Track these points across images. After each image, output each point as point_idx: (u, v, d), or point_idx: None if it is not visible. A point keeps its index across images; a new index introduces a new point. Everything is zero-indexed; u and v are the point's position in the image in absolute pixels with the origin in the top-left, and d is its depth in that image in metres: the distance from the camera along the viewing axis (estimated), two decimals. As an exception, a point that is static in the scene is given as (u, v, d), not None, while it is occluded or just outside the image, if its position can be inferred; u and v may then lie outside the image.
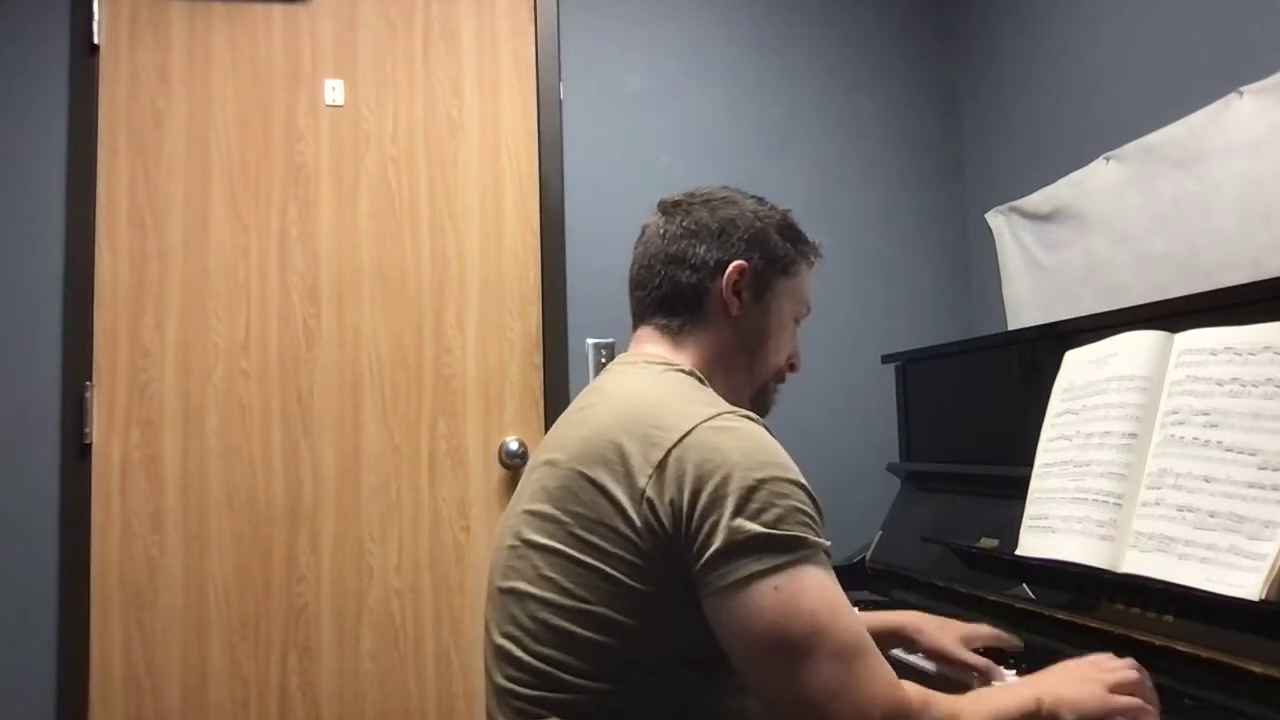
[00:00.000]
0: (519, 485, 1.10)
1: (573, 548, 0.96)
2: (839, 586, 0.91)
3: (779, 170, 2.50)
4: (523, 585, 1.00)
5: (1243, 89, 1.63)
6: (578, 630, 0.95)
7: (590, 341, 2.39)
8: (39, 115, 2.23)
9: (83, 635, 2.15)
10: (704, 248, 1.12)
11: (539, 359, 2.38)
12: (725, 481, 0.90)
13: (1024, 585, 1.40)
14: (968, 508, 1.66)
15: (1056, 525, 1.30)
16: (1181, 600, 1.10)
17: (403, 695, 2.27)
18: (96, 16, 2.27)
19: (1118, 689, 0.96)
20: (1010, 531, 1.40)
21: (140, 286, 2.26)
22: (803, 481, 0.93)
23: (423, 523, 2.31)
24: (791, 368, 1.20)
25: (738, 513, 0.88)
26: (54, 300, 2.21)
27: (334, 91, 2.36)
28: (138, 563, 2.20)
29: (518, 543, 1.02)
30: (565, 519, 0.97)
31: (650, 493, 0.92)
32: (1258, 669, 0.97)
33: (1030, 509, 1.37)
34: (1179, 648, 1.08)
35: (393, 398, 2.33)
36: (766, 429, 0.98)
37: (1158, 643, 1.11)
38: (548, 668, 0.96)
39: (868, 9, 2.63)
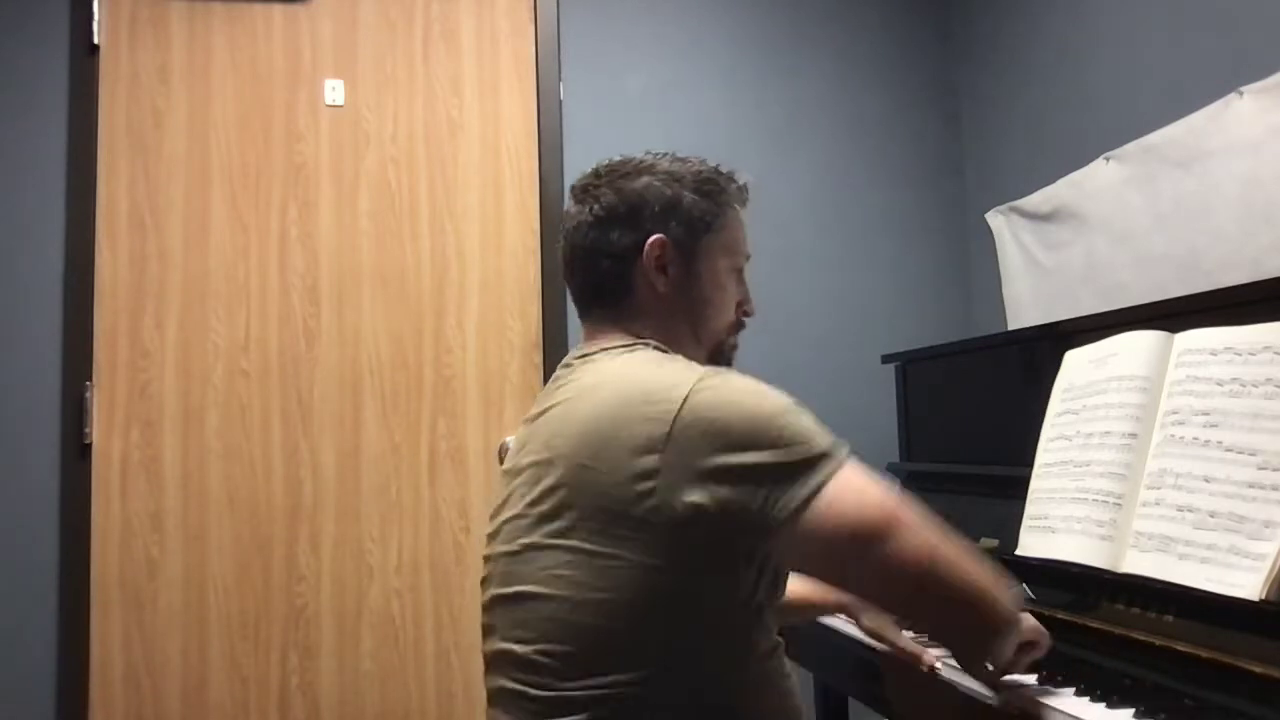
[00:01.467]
0: (504, 493, 1.08)
1: (586, 541, 0.95)
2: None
3: (779, 170, 2.50)
4: (530, 588, 0.98)
5: (1243, 89, 1.63)
6: (600, 623, 0.94)
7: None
8: (39, 115, 2.23)
9: (83, 635, 2.15)
10: (617, 232, 1.10)
11: (539, 359, 2.38)
12: (738, 430, 0.92)
13: (1024, 585, 1.40)
14: (968, 508, 1.66)
15: (1056, 525, 1.30)
16: (1181, 600, 1.10)
17: (403, 695, 2.27)
18: (96, 16, 2.27)
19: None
20: (1010, 531, 1.39)
21: (140, 286, 2.26)
22: (799, 406, 0.97)
23: (423, 523, 2.31)
24: (745, 314, 1.18)
25: (766, 450, 0.91)
26: (54, 300, 2.21)
27: (334, 91, 2.36)
28: (138, 563, 2.20)
29: (518, 548, 1.01)
30: (573, 514, 0.96)
31: (666, 468, 0.91)
32: (1258, 669, 0.97)
33: (1030, 509, 1.37)
34: (1179, 648, 1.07)
35: (393, 398, 2.33)
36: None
37: (1158, 643, 1.10)
38: (565, 666, 0.95)
39: (868, 9, 2.63)
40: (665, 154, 1.16)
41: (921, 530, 0.94)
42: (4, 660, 2.11)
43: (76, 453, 2.19)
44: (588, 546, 0.95)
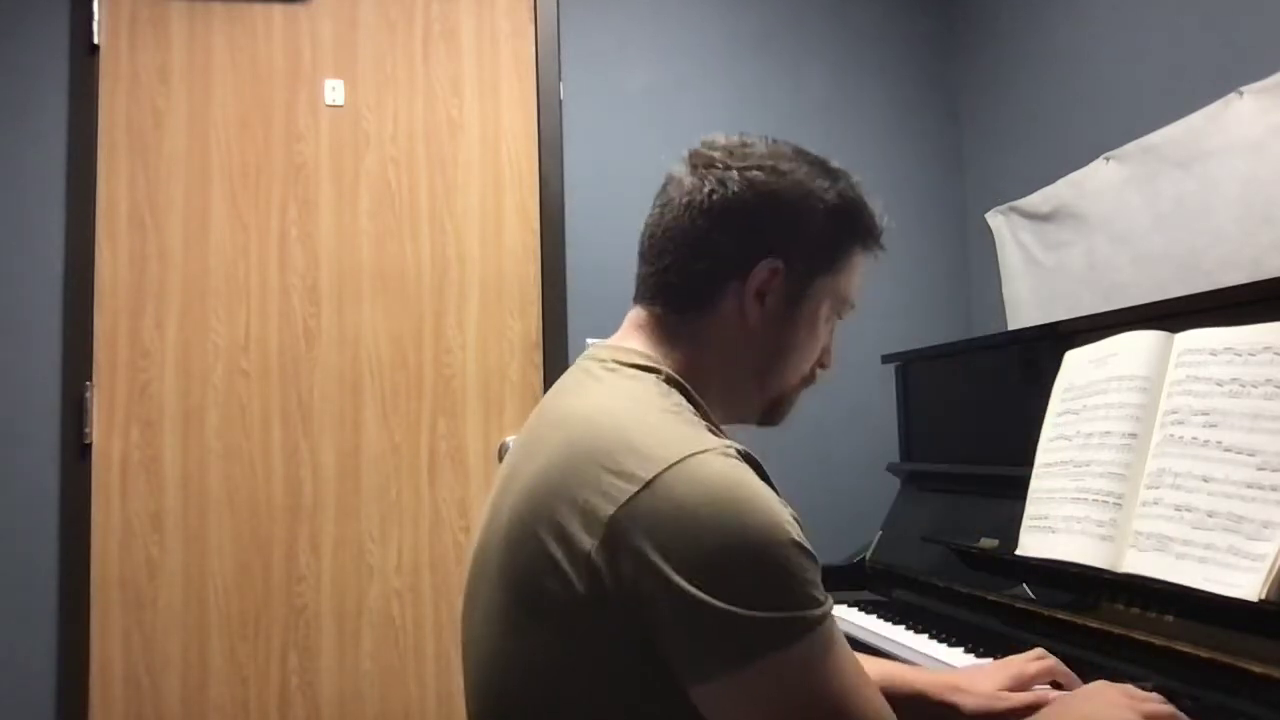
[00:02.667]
0: (486, 503, 0.94)
1: (510, 606, 0.80)
2: (852, 656, 0.77)
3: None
4: (468, 644, 0.88)
5: (1243, 89, 1.63)
6: (506, 709, 0.81)
7: (590, 341, 2.38)
8: (39, 115, 2.23)
9: (83, 635, 2.15)
10: (730, 234, 0.89)
11: (539, 359, 2.38)
12: (693, 553, 0.72)
13: (1024, 585, 1.40)
14: (968, 508, 1.66)
15: (1056, 525, 1.30)
16: (1181, 600, 1.10)
17: (403, 695, 2.27)
18: (96, 16, 2.27)
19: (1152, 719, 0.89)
20: (1010, 531, 1.39)
21: (140, 286, 2.26)
22: (794, 537, 0.74)
23: (423, 523, 2.31)
24: (822, 366, 1.01)
25: (718, 592, 0.71)
26: (54, 300, 2.21)
27: (334, 91, 2.36)
28: (138, 563, 2.20)
29: (469, 591, 0.89)
30: (502, 568, 0.82)
31: (597, 559, 0.74)
32: (1257, 669, 0.97)
33: (1030, 509, 1.37)
34: (1179, 648, 1.07)
35: (393, 398, 2.33)
36: (754, 462, 0.80)
37: (1158, 643, 1.10)
38: None
39: (868, 9, 2.63)
40: (805, 152, 0.97)
41: None
42: (4, 660, 2.11)
43: (76, 453, 2.19)
44: (509, 610, 0.80)
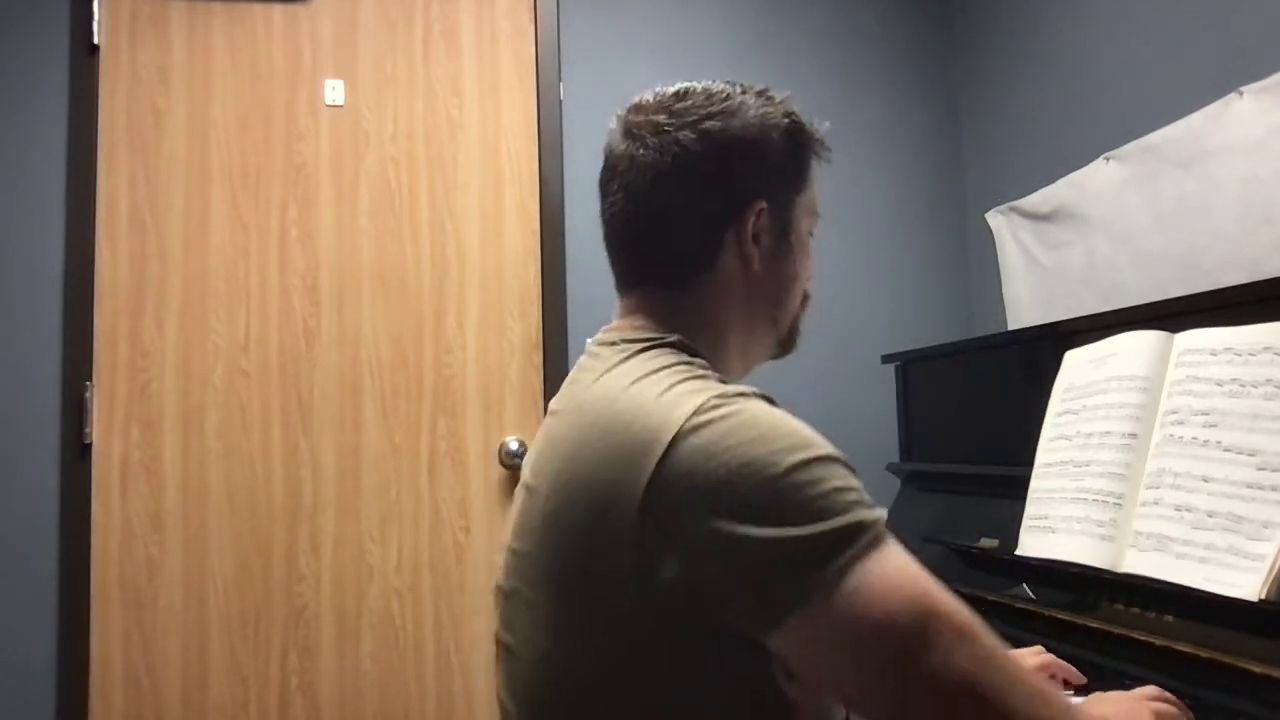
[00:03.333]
0: (515, 506, 0.92)
1: (551, 606, 0.78)
2: (912, 558, 0.74)
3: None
4: (511, 641, 0.85)
5: (1243, 89, 1.63)
6: (568, 702, 0.78)
7: (590, 341, 2.39)
8: (39, 115, 2.23)
9: (83, 635, 2.15)
10: (708, 192, 0.88)
11: (539, 359, 2.38)
12: (735, 493, 0.70)
13: (1024, 585, 1.40)
14: (968, 508, 1.66)
15: (1056, 525, 1.30)
16: (1181, 600, 1.10)
17: (403, 695, 2.27)
18: (96, 16, 2.27)
19: (1156, 699, 0.92)
20: (1010, 531, 1.40)
21: (140, 286, 2.26)
22: (829, 451, 0.74)
23: (423, 523, 2.31)
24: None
25: (772, 521, 0.69)
26: (54, 300, 2.21)
27: (334, 91, 2.36)
28: (138, 563, 2.20)
29: (509, 588, 0.87)
30: (541, 568, 0.80)
31: (639, 537, 0.72)
32: (1257, 669, 0.97)
33: (1030, 509, 1.37)
34: (1179, 648, 1.07)
35: (393, 398, 2.33)
36: (768, 400, 0.79)
37: (1158, 643, 1.10)
38: None
39: (868, 10, 2.63)
40: (737, 85, 0.93)
41: (967, 641, 0.70)
42: (4, 660, 2.11)
43: (76, 453, 2.19)
44: (553, 609, 0.78)
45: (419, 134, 2.39)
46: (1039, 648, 1.16)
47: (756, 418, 0.74)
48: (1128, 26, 1.98)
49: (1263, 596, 0.98)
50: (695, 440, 0.73)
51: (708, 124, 0.88)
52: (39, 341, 2.19)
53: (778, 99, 0.94)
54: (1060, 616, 1.28)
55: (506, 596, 0.87)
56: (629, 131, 0.91)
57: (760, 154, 0.90)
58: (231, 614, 2.23)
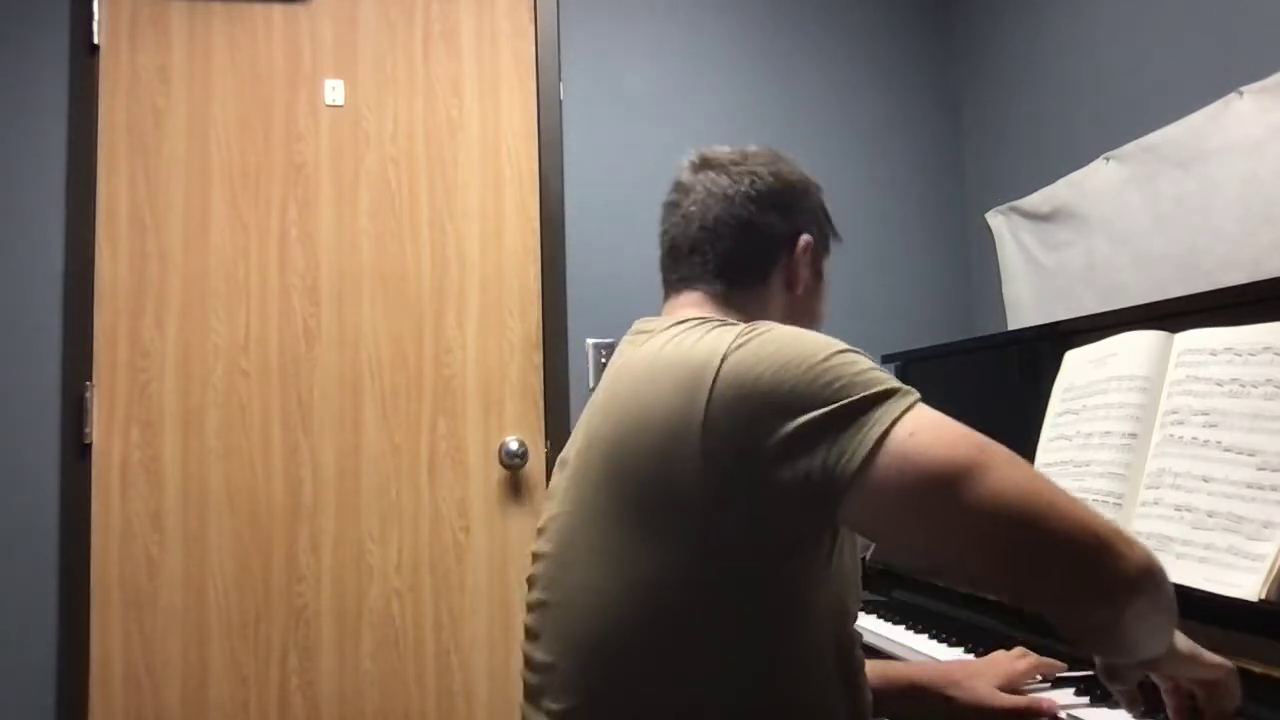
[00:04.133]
0: (553, 486, 1.01)
1: (625, 538, 0.85)
2: None
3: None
4: (570, 594, 0.90)
5: (1243, 89, 1.63)
6: (640, 629, 0.84)
7: (590, 341, 2.39)
8: (39, 115, 2.23)
9: (83, 635, 2.15)
10: (776, 216, 1.04)
11: (539, 359, 2.38)
12: (785, 383, 0.80)
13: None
14: (967, 508, 1.66)
15: (1056, 525, 1.30)
16: (1181, 600, 1.10)
17: (403, 695, 2.27)
18: (96, 16, 2.27)
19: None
20: (1010, 531, 1.39)
21: (140, 286, 2.26)
22: (857, 348, 0.86)
23: (423, 523, 2.31)
24: None
25: (820, 401, 0.79)
26: (54, 300, 2.21)
27: (334, 91, 2.36)
28: (138, 563, 2.20)
29: (561, 549, 0.93)
30: (613, 507, 0.87)
31: (708, 451, 0.80)
32: (1258, 669, 0.97)
33: (1030, 509, 1.37)
34: (1179, 648, 1.07)
35: (393, 398, 2.33)
36: None
37: (1157, 643, 1.10)
38: (602, 681, 0.86)
39: (868, 9, 2.63)
40: (784, 157, 1.11)
41: (1016, 465, 0.79)
42: (4, 660, 2.11)
43: (76, 453, 2.19)
44: (627, 543, 0.85)
45: (419, 134, 2.39)
46: (1021, 649, 1.17)
47: (790, 330, 0.87)
48: (1128, 27, 1.98)
49: (1263, 596, 0.98)
50: (739, 355, 0.83)
51: (777, 166, 1.07)
52: (39, 341, 2.19)
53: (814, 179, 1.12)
54: (1060, 616, 1.27)
55: (549, 559, 0.94)
56: (706, 163, 1.07)
57: (809, 203, 1.08)
58: (231, 614, 2.23)
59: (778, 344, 0.84)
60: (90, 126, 2.25)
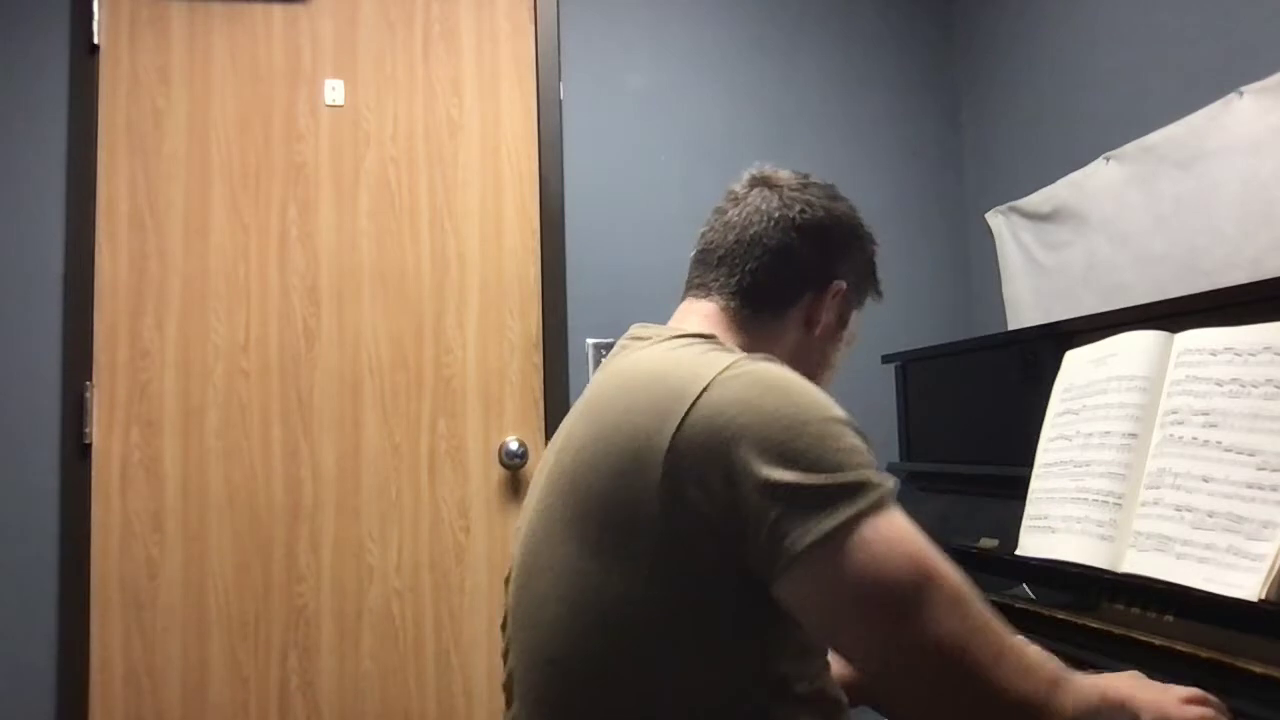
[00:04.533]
0: (533, 486, 0.99)
1: (583, 551, 0.83)
2: (914, 524, 0.79)
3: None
4: (539, 601, 0.88)
5: (1243, 89, 1.63)
6: (591, 648, 0.82)
7: (590, 341, 2.39)
8: (39, 115, 2.23)
9: (83, 635, 2.15)
10: (816, 251, 1.01)
11: (539, 359, 2.38)
12: (761, 433, 0.77)
13: (1024, 585, 1.40)
14: (968, 508, 1.66)
15: (1056, 525, 1.30)
16: (1182, 600, 1.10)
17: (403, 695, 2.27)
18: (96, 16, 2.27)
19: (1189, 702, 0.91)
20: (1010, 531, 1.40)
21: (140, 286, 2.26)
22: (847, 417, 0.81)
23: (423, 523, 2.31)
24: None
25: (790, 466, 0.75)
26: (54, 300, 2.21)
27: (334, 91, 2.36)
28: (138, 563, 2.20)
29: (532, 555, 0.91)
30: (575, 519, 0.85)
31: (670, 471, 0.78)
32: (1258, 669, 0.97)
33: (1030, 509, 1.37)
34: (1179, 648, 1.07)
35: (393, 398, 2.33)
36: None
37: (1158, 643, 1.10)
38: (563, 693, 0.84)
39: (868, 9, 2.63)
40: (847, 200, 1.09)
41: (960, 607, 0.74)
42: (4, 660, 2.11)
43: (76, 453, 2.19)
44: (583, 563, 0.83)
45: (419, 134, 2.39)
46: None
47: (783, 376, 0.83)
48: (1128, 27, 1.98)
49: (1263, 596, 0.98)
50: (725, 388, 0.80)
51: (835, 204, 1.04)
52: (39, 341, 2.19)
53: (869, 229, 1.10)
54: (1060, 616, 1.28)
55: (529, 565, 0.90)
56: (764, 181, 1.05)
57: (856, 249, 1.06)
58: (231, 614, 2.23)
59: (764, 387, 0.80)
60: (90, 126, 2.25)
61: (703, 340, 0.92)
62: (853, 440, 0.80)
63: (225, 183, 2.31)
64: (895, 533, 0.76)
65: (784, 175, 1.06)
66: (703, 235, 1.06)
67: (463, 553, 2.32)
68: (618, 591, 0.80)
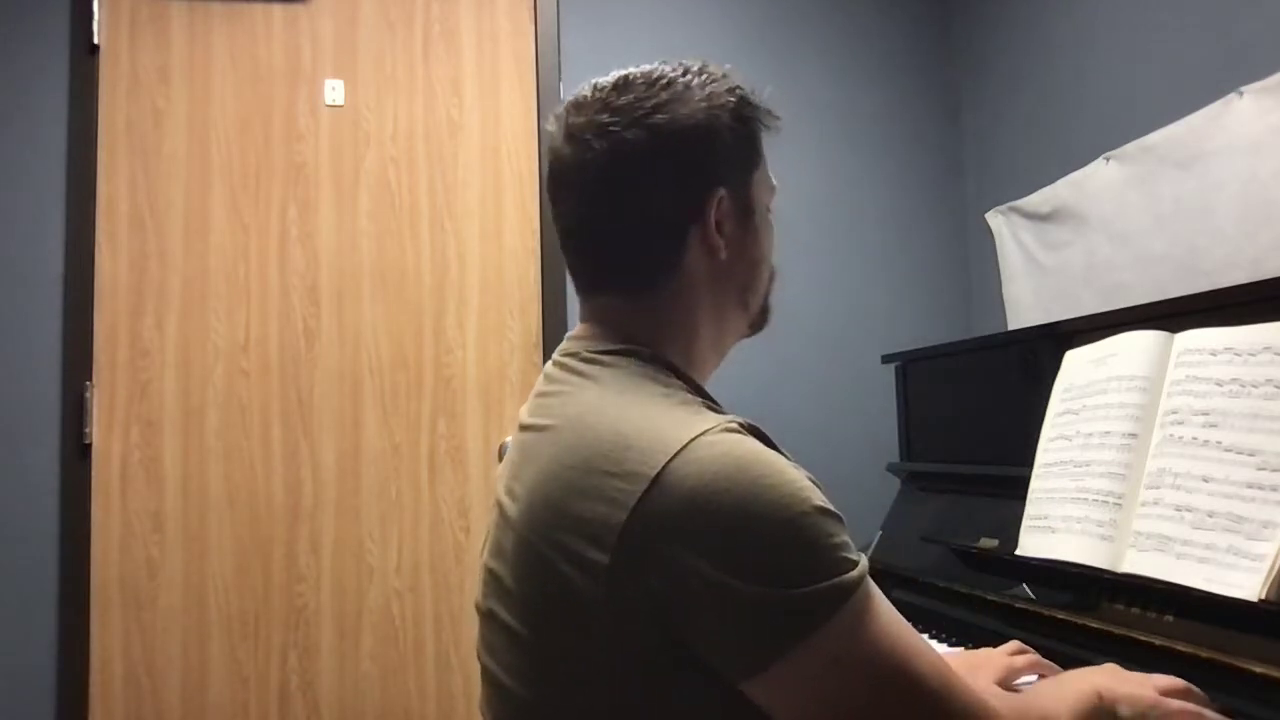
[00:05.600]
0: (490, 519, 0.90)
1: (524, 625, 0.76)
2: (894, 611, 0.73)
3: (779, 171, 2.50)
4: (489, 661, 0.83)
5: (1243, 89, 1.63)
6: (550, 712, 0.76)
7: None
8: (39, 115, 2.23)
9: (83, 635, 2.15)
10: (663, 190, 0.83)
11: (539, 359, 2.38)
12: (720, 540, 0.68)
13: (1024, 585, 1.40)
14: (968, 508, 1.66)
15: (1056, 525, 1.30)
16: (1181, 600, 1.10)
17: (403, 695, 2.27)
18: (96, 16, 2.27)
19: (1168, 692, 0.91)
20: (1010, 531, 1.39)
21: (140, 286, 2.26)
22: (816, 502, 0.71)
23: (423, 523, 2.31)
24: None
25: (752, 578, 0.67)
26: (54, 300, 2.21)
27: (334, 91, 2.36)
28: (138, 563, 2.20)
29: (485, 609, 0.84)
30: (513, 587, 0.78)
31: (616, 572, 0.70)
32: (1258, 669, 0.97)
33: (1030, 509, 1.37)
34: (1179, 648, 1.07)
35: (393, 398, 2.33)
36: (758, 433, 0.76)
37: (1158, 643, 1.10)
38: None
39: (868, 9, 2.63)
40: (678, 67, 0.87)
41: (940, 704, 0.71)
42: (4, 660, 2.11)
43: (76, 453, 2.19)
44: (526, 636, 0.76)
45: (419, 134, 2.39)
46: (1018, 644, 1.16)
47: (743, 463, 0.70)
48: (1128, 27, 1.98)
49: (1263, 596, 0.98)
50: (680, 481, 0.69)
51: (654, 118, 0.82)
52: (39, 341, 2.19)
53: (719, 74, 0.89)
54: (1060, 616, 1.27)
55: (485, 617, 0.84)
56: (571, 135, 0.85)
57: (712, 141, 0.85)
58: (231, 614, 2.23)
59: (728, 483, 0.69)
60: (90, 126, 2.25)
61: (642, 367, 0.81)
62: (823, 537, 0.70)
63: (225, 183, 2.31)
64: (870, 641, 0.69)
65: (586, 116, 0.84)
66: (555, 224, 0.90)
67: (463, 553, 2.32)
68: (570, 681, 0.75)
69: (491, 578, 0.83)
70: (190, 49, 2.33)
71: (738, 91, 0.90)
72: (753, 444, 0.73)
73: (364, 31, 2.39)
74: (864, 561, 0.72)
